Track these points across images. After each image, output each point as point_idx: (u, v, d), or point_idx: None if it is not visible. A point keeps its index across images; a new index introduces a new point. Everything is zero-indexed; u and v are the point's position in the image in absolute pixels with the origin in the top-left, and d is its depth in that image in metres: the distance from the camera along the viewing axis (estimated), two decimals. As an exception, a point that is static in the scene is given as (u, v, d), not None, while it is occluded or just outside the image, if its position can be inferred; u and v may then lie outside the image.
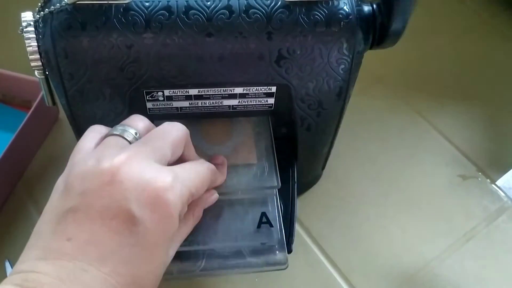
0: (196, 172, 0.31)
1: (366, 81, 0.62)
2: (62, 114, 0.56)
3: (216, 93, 0.37)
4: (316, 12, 0.33)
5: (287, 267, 0.38)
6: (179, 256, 0.36)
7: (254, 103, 0.39)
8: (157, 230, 0.27)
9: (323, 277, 0.47)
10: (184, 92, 0.37)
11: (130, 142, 0.30)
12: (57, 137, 0.56)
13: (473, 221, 0.51)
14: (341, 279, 0.47)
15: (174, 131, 0.31)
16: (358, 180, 0.54)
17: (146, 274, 0.27)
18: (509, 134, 0.59)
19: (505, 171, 0.55)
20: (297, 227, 0.50)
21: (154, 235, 0.27)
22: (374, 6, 0.35)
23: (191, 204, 0.31)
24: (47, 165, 0.53)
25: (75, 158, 0.29)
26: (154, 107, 0.38)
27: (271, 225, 0.38)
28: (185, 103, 0.38)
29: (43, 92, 0.36)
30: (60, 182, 0.29)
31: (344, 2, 0.33)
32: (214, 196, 0.35)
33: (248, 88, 0.37)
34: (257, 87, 0.37)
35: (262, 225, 0.38)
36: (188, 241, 0.35)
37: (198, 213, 0.33)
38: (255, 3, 0.32)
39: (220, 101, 0.38)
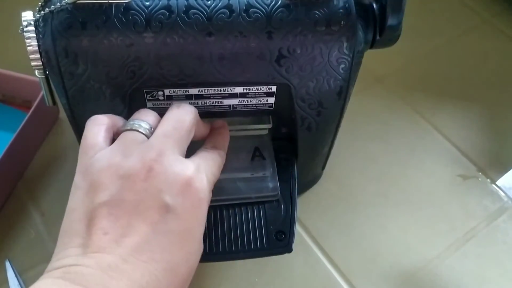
0: (213, 160, 0.33)
1: (366, 81, 0.62)
2: (63, 114, 0.56)
3: (216, 92, 0.37)
4: (316, 11, 0.33)
5: (278, 197, 0.41)
6: None
7: (255, 103, 0.39)
8: (189, 216, 0.28)
9: (323, 277, 0.47)
10: (184, 91, 0.37)
11: (146, 136, 0.31)
12: (58, 137, 0.56)
13: (473, 221, 0.51)
14: (341, 279, 0.47)
15: (187, 118, 0.32)
16: (358, 180, 0.54)
17: (181, 261, 0.28)
18: (510, 134, 0.59)
19: (505, 171, 0.55)
20: (297, 227, 0.50)
21: (187, 221, 0.28)
22: (374, 5, 0.36)
23: None
24: (47, 165, 0.53)
25: (90, 153, 0.30)
26: (154, 106, 0.38)
27: (264, 158, 0.42)
28: (185, 103, 0.38)
29: (43, 92, 0.36)
30: (79, 180, 0.29)
31: (344, 1, 0.33)
32: None
33: (248, 87, 0.37)
34: (257, 87, 0.37)
35: (256, 158, 0.42)
36: None
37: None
38: (255, 2, 0.32)
39: (220, 100, 0.38)
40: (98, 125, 0.32)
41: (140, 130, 0.31)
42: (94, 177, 0.28)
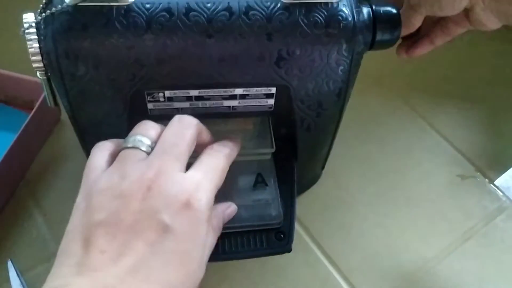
0: (214, 169, 0.32)
1: (365, 82, 0.62)
2: (64, 115, 0.56)
3: (217, 94, 0.38)
4: (316, 14, 0.33)
5: (281, 224, 0.40)
6: None
7: (254, 104, 0.39)
8: (187, 237, 0.28)
9: (323, 277, 0.47)
10: (184, 93, 0.37)
11: (146, 152, 0.30)
12: (59, 138, 0.56)
13: (472, 221, 0.52)
14: (341, 278, 0.47)
15: (188, 132, 0.31)
16: (358, 180, 0.54)
17: (178, 282, 0.27)
18: (508, 134, 0.59)
19: (503, 171, 0.55)
20: (297, 227, 0.50)
21: (184, 242, 0.28)
22: (373, 7, 0.36)
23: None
24: (49, 165, 0.54)
25: (91, 176, 0.30)
26: (155, 107, 0.38)
27: (266, 185, 0.41)
28: (186, 104, 0.38)
29: (45, 93, 0.36)
30: (79, 201, 0.29)
31: (343, 4, 0.34)
32: (232, 208, 0.36)
33: (248, 89, 0.37)
34: (257, 88, 0.37)
35: (258, 184, 0.41)
36: None
37: (217, 224, 0.34)
38: (255, 4, 0.33)
39: (221, 102, 0.38)
40: (103, 151, 0.31)
41: (140, 147, 0.30)
42: (92, 198, 0.28)
